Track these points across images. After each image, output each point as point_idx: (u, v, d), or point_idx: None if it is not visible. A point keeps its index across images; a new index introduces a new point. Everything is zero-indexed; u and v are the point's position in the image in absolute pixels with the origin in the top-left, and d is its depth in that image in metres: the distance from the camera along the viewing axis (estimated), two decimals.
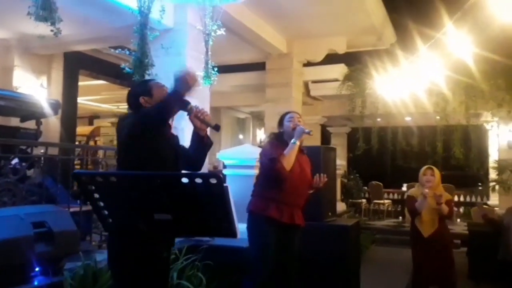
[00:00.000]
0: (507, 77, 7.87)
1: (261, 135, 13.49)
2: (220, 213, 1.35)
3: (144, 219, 1.44)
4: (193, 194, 1.35)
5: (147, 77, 5.14)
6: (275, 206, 2.93)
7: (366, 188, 11.20)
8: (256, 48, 8.06)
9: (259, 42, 7.65)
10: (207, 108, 5.43)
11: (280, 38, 8.15)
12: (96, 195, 1.42)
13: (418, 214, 3.92)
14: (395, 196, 11.62)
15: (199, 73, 4.78)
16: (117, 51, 4.45)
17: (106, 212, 1.45)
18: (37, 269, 2.47)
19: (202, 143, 2.16)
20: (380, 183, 10.85)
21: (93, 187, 1.41)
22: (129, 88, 2.28)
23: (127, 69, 4.03)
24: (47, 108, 5.06)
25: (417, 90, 7.46)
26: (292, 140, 2.99)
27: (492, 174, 9.95)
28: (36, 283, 2.44)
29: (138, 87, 2.30)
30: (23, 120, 5.35)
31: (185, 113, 5.20)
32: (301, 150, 3.14)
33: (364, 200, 10.57)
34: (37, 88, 6.90)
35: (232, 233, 1.37)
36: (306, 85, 10.11)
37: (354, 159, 12.47)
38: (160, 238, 1.55)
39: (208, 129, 2.24)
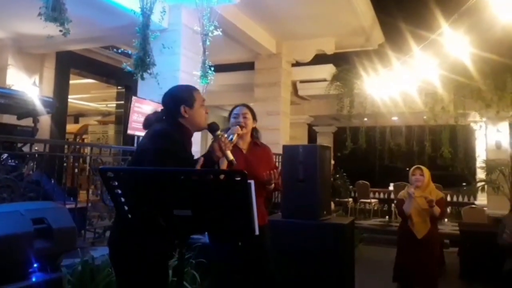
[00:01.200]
0: (496, 78, 8.02)
1: None
2: (241, 210, 1.32)
3: (163, 214, 1.41)
4: (216, 191, 1.33)
5: (147, 76, 5.14)
6: None
7: (352, 187, 11.29)
8: (246, 48, 8.07)
9: (249, 42, 7.66)
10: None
11: (270, 38, 8.17)
12: (119, 191, 1.40)
13: (408, 216, 3.91)
14: (382, 196, 11.76)
15: (196, 72, 4.77)
16: (119, 51, 4.41)
17: (126, 208, 1.42)
18: (35, 265, 2.43)
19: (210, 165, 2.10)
20: (367, 182, 10.94)
21: (116, 183, 1.38)
22: (170, 91, 2.16)
23: (128, 68, 4.02)
24: (43, 106, 5.02)
25: (406, 89, 7.56)
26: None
27: (480, 174, 10.09)
28: (34, 279, 2.40)
29: (182, 93, 2.14)
30: (19, 117, 5.31)
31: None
32: (255, 143, 2.97)
33: (350, 199, 10.64)
34: (29, 86, 6.93)
35: (252, 230, 1.34)
36: (294, 84, 10.14)
37: (341, 158, 12.56)
38: (177, 234, 1.52)
39: None
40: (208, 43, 4.73)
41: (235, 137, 2.71)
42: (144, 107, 4.67)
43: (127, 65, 4.04)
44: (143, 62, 3.93)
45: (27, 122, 5.31)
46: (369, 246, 7.82)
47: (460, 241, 5.66)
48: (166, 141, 1.90)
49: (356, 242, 7.59)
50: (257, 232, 1.36)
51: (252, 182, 1.28)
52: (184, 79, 4.90)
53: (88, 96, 11.74)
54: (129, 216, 1.42)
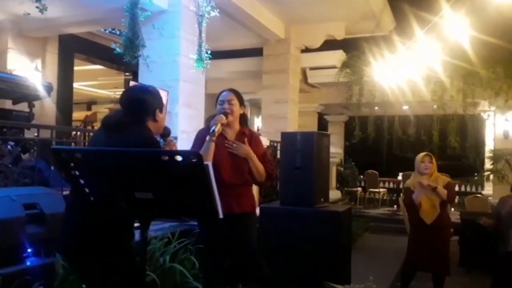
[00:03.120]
0: (506, 65, 7.82)
1: (259, 123, 13.43)
2: (202, 193, 1.31)
3: (125, 197, 1.40)
4: (174, 173, 1.31)
5: (149, 62, 5.07)
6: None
7: (362, 176, 11.21)
8: (253, 33, 7.97)
9: (256, 27, 7.56)
10: (201, 94, 5.38)
11: (278, 23, 8.05)
12: (77, 173, 1.38)
13: (417, 204, 3.87)
14: (391, 185, 11.65)
15: (192, 56, 4.71)
16: (107, 31, 4.34)
17: (87, 191, 1.41)
18: (29, 250, 2.46)
19: None
20: (375, 172, 10.85)
21: (73, 164, 1.36)
22: (143, 91, 2.04)
23: (117, 50, 3.96)
24: (39, 91, 4.98)
25: (415, 77, 7.41)
26: (207, 137, 2.70)
27: (488, 164, 9.96)
28: (28, 263, 2.43)
29: (157, 95, 2.05)
30: (15, 102, 5.28)
31: (178, 97, 5.11)
32: (243, 133, 2.86)
33: (359, 189, 10.58)
34: (31, 71, 6.82)
35: (215, 213, 1.33)
36: (303, 72, 10.03)
37: (350, 147, 12.46)
38: (139, 218, 1.50)
39: None
40: (204, 24, 4.63)
41: (217, 128, 2.67)
42: None
43: (117, 47, 3.97)
44: (132, 44, 3.85)
45: (24, 107, 5.24)
46: (375, 235, 7.81)
47: (461, 230, 5.61)
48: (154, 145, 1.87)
49: (362, 230, 7.60)
50: (221, 216, 1.34)
51: (209, 163, 1.25)
52: (184, 64, 4.85)
53: (97, 83, 11.78)
54: (92, 199, 1.41)
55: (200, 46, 4.52)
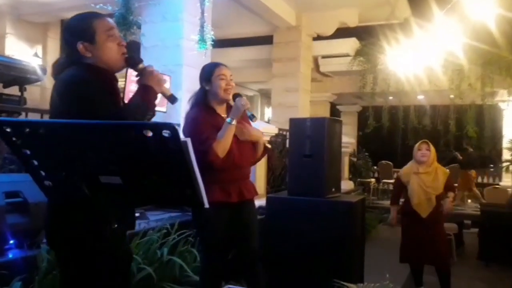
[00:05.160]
0: None
1: (269, 113, 13.22)
2: (180, 176, 1.08)
3: (87, 182, 1.17)
4: (145, 151, 1.08)
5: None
6: (219, 187, 2.44)
7: (375, 167, 10.95)
8: (263, 21, 7.77)
9: (266, 13, 7.35)
10: None
11: (289, 9, 7.81)
12: (27, 152, 1.12)
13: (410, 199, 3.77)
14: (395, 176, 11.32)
15: (194, 37, 4.50)
16: (97, 6, 4.06)
17: (43, 174, 1.17)
18: (11, 241, 2.27)
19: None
20: (390, 163, 10.59)
21: (21, 141, 1.10)
22: (66, 23, 1.67)
23: None
24: (30, 74, 4.74)
25: (432, 64, 7.10)
26: (228, 119, 2.41)
27: (506, 155, 9.63)
28: (10, 256, 2.26)
29: (77, 25, 1.61)
30: (5, 85, 5.02)
31: (181, 82, 4.92)
32: (230, 107, 2.55)
33: (373, 180, 10.33)
34: (30, 57, 6.57)
35: (198, 202, 1.11)
36: (315, 60, 9.78)
37: (364, 138, 12.20)
38: (111, 207, 1.29)
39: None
40: (207, 3, 4.42)
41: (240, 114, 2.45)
42: None
43: None
44: (125, 20, 3.64)
45: (16, 91, 4.93)
46: (389, 227, 7.58)
47: (480, 222, 5.40)
48: (78, 89, 1.48)
49: (375, 222, 7.39)
50: (206, 205, 1.13)
51: (188, 140, 1.03)
52: (188, 48, 4.66)
53: None
54: (49, 183, 1.20)
55: (202, 26, 4.30)
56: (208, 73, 2.53)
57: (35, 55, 6.64)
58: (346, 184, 7.76)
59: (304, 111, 8.33)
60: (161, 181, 1.16)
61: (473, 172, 8.81)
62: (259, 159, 2.78)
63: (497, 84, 8.34)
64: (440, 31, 5.37)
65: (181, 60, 4.77)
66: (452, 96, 9.01)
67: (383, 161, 10.57)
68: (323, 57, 9.83)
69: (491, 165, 10.80)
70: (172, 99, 1.74)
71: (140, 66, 1.67)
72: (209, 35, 4.42)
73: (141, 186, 1.19)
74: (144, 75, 1.65)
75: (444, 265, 3.78)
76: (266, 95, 13.75)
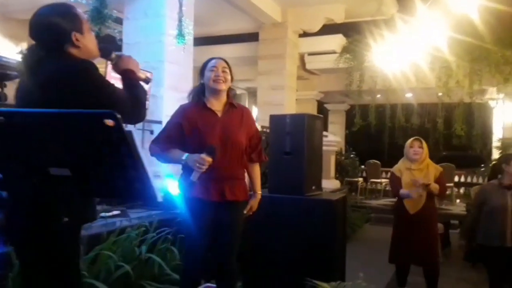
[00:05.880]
0: None
1: (257, 112, 13.12)
2: (127, 168, 1.01)
3: (37, 174, 1.11)
4: (89, 142, 1.02)
5: (133, 42, 4.77)
6: (200, 184, 2.36)
7: (363, 166, 10.89)
8: (248, 17, 7.64)
9: (251, 9, 7.23)
10: (189, 77, 5.06)
11: (274, 5, 7.70)
12: None
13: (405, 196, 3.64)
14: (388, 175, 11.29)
15: (172, 31, 4.38)
16: (72, 0, 3.96)
17: None
18: None
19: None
20: (377, 162, 10.52)
21: None
22: (45, 15, 1.60)
23: None
24: (11, 70, 4.60)
25: (419, 61, 7.04)
26: (184, 158, 2.32)
27: (496, 154, 9.62)
28: None
29: (67, 15, 1.61)
30: None
31: (163, 79, 4.83)
32: (231, 104, 2.54)
33: (360, 179, 10.27)
34: (16, 54, 6.48)
35: (149, 196, 1.04)
36: (302, 58, 9.67)
37: (351, 136, 12.15)
38: (62, 199, 1.21)
39: None
40: None
41: (196, 176, 2.28)
42: None
43: None
44: (100, 14, 3.52)
45: None
46: (376, 226, 7.53)
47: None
48: (93, 76, 1.49)
49: (361, 222, 7.31)
50: (158, 199, 1.03)
51: (131, 130, 0.94)
52: (170, 45, 4.54)
53: None
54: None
55: (180, 21, 4.18)
56: (203, 67, 2.54)
57: (20, 53, 6.49)
58: (332, 183, 7.66)
59: (290, 110, 8.21)
60: (111, 173, 1.06)
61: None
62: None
63: (486, 82, 8.30)
64: (426, 27, 5.30)
65: (163, 57, 4.66)
66: (440, 94, 8.96)
67: (371, 160, 10.51)
68: (310, 54, 9.73)
69: (482, 165, 10.81)
70: (147, 80, 1.82)
71: (113, 55, 1.72)
72: (188, 30, 4.28)
73: (91, 178, 1.12)
74: (122, 61, 1.70)
75: (432, 266, 3.67)
76: (253, 94, 13.62)
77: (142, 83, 1.72)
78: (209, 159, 2.24)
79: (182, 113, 2.50)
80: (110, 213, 3.13)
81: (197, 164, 2.23)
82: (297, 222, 3.20)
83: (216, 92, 2.47)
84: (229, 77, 2.50)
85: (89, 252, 2.54)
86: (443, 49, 6.27)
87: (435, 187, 3.53)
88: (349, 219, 6.56)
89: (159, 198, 1.07)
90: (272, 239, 3.25)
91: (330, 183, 7.46)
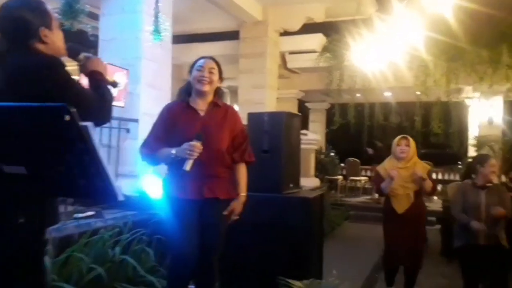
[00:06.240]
0: (491, 49, 7.62)
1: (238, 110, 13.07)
2: (86, 167, 0.97)
3: None
4: (43, 138, 0.98)
5: (108, 39, 4.68)
6: (178, 182, 2.39)
7: (343, 164, 10.99)
8: (229, 15, 7.62)
9: (232, 8, 7.20)
10: (167, 74, 5.00)
11: (255, 4, 7.68)
12: None
13: (385, 194, 3.67)
14: (372, 173, 11.43)
15: (148, 27, 4.32)
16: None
17: None
18: None
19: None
20: (357, 160, 10.64)
21: None
22: (13, 7, 1.55)
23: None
24: None
25: (397, 61, 7.13)
26: (173, 152, 2.31)
27: (472, 152, 9.84)
28: None
29: (36, 10, 1.56)
30: None
31: (140, 76, 4.76)
32: (215, 104, 2.51)
33: (340, 177, 10.36)
34: None
35: (111, 195, 1.00)
36: (282, 56, 9.68)
37: (331, 135, 12.24)
38: (17, 199, 1.16)
39: None
40: None
41: (190, 165, 2.27)
42: None
43: (55, 13, 3.56)
44: (72, 9, 3.44)
45: None
46: (355, 224, 7.62)
47: (443, 218, 5.39)
48: (60, 71, 1.46)
49: (341, 219, 7.38)
50: (120, 198, 1.00)
51: (88, 124, 0.90)
52: (147, 40, 4.47)
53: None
54: None
55: (156, 17, 4.12)
56: (191, 66, 2.52)
57: None
58: (312, 181, 7.70)
59: (271, 108, 8.21)
60: (69, 171, 1.02)
61: None
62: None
63: (463, 81, 8.46)
64: (403, 26, 5.36)
65: (140, 53, 4.59)
66: (418, 92, 9.10)
67: (350, 159, 10.62)
68: (291, 53, 9.75)
69: (459, 162, 11.02)
70: (114, 84, 1.79)
71: (81, 56, 1.69)
72: (165, 26, 4.22)
73: (48, 177, 1.07)
74: (90, 62, 1.67)
75: (417, 266, 3.68)
76: (235, 92, 13.57)
77: (109, 86, 1.70)
78: (198, 144, 2.24)
79: (166, 112, 2.53)
80: (84, 214, 3.06)
81: (188, 151, 2.23)
82: (274, 221, 3.19)
83: (200, 92, 2.46)
84: (215, 78, 2.48)
85: (60, 254, 2.48)
86: (420, 49, 6.36)
87: (428, 184, 3.52)
88: (328, 217, 6.62)
89: (121, 197, 1.03)
90: (249, 238, 3.23)
91: (310, 181, 7.49)
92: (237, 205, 2.53)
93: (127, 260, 2.89)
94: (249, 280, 3.20)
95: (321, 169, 8.95)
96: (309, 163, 7.77)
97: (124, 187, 3.87)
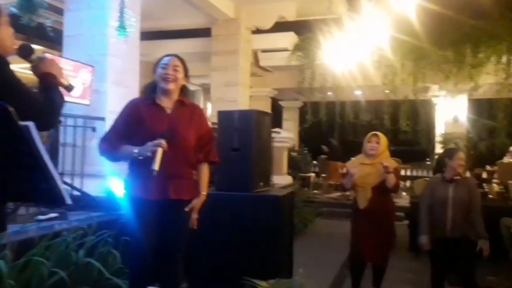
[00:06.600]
0: (455, 48, 7.86)
1: (210, 108, 12.99)
2: (30, 169, 0.92)
3: None
4: None
5: (75, 34, 4.52)
6: (141, 182, 2.34)
7: (315, 162, 11.10)
8: (201, 12, 7.52)
9: (204, 4, 7.13)
10: (135, 72, 4.89)
11: (227, 1, 7.63)
12: None
13: (347, 189, 3.71)
14: (344, 170, 11.59)
15: (113, 23, 4.20)
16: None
17: None
18: None
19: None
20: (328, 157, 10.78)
21: None
22: None
23: (12, 9, 3.38)
24: None
25: (366, 61, 7.25)
26: (136, 152, 2.26)
27: (438, 149, 10.12)
28: None
29: None
30: None
31: (107, 73, 4.64)
32: (181, 102, 2.48)
33: (313, 174, 10.46)
34: None
35: (58, 198, 0.95)
36: (255, 54, 9.68)
37: (304, 133, 12.34)
38: None
39: None
40: None
41: (157, 163, 2.19)
42: (64, 66, 4.07)
43: (11, 6, 3.41)
44: (30, 3, 3.30)
45: None
46: (327, 220, 7.69)
47: (410, 214, 5.48)
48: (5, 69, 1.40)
49: (313, 216, 7.43)
50: (68, 201, 0.95)
51: (30, 124, 0.84)
52: (114, 37, 4.35)
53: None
54: None
55: (121, 12, 4.01)
56: (156, 62, 2.47)
57: None
58: (285, 179, 7.73)
59: (244, 106, 8.18)
60: (12, 174, 0.95)
61: (338, 164, 9.31)
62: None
63: (429, 80, 8.69)
64: (371, 26, 5.45)
65: (106, 50, 4.47)
66: (387, 91, 9.29)
67: (322, 156, 10.74)
68: (263, 51, 9.76)
69: (427, 159, 11.32)
70: (69, 88, 1.73)
71: (34, 56, 1.62)
72: (130, 22, 4.11)
73: None
74: (43, 63, 1.60)
75: (383, 264, 3.67)
76: (208, 90, 13.46)
77: (63, 90, 1.65)
78: (164, 143, 2.19)
79: (130, 108, 2.46)
80: (47, 216, 2.95)
81: (152, 150, 2.18)
82: (244, 220, 3.18)
83: (164, 90, 2.42)
84: (180, 76, 2.44)
85: (19, 258, 2.37)
86: (387, 48, 6.49)
87: (391, 178, 3.50)
88: (300, 214, 6.66)
89: (68, 201, 0.97)
90: (219, 238, 3.20)
91: (282, 179, 7.52)
92: (198, 204, 2.51)
93: (92, 263, 2.80)
94: (218, 281, 3.17)
95: (294, 167, 9.00)
96: (282, 161, 7.80)
97: (91, 187, 3.78)
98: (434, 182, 3.55)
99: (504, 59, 8.11)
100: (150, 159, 2.20)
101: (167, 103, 2.44)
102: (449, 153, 3.52)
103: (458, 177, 3.35)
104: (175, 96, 2.46)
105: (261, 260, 3.08)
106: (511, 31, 7.95)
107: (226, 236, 3.19)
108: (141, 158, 2.24)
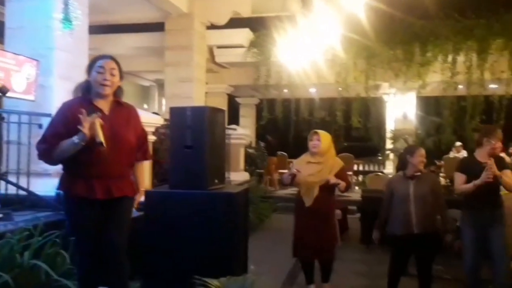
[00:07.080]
0: (405, 47, 8.19)
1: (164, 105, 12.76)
2: None
3: None
4: None
5: (17, 26, 4.24)
6: (83, 182, 2.36)
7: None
8: (153, 6, 7.34)
9: None
10: (83, 66, 4.67)
11: None
12: None
13: (286, 185, 3.76)
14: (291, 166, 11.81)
15: (58, 15, 4.01)
16: None
17: None
18: None
19: None
20: (285, 154, 10.91)
21: None
22: None
23: None
24: None
25: (320, 59, 7.40)
26: (75, 140, 2.26)
27: (389, 144, 10.52)
28: None
29: None
30: None
31: (53, 68, 4.44)
32: (118, 103, 2.51)
33: None
34: None
35: None
36: (210, 50, 9.60)
37: (261, 130, 12.43)
38: None
39: None
40: None
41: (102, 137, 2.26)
42: (6, 60, 3.85)
43: None
44: None
45: None
46: (282, 215, 7.78)
47: (361, 207, 5.66)
48: None
49: (269, 212, 7.51)
50: None
51: None
52: (59, 30, 4.15)
53: None
54: None
55: (66, 4, 3.83)
56: (91, 64, 2.46)
57: None
58: (242, 175, 7.76)
59: (200, 103, 8.10)
60: None
61: (273, 159, 9.60)
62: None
63: (380, 77, 9.00)
64: (323, 25, 5.56)
65: (52, 44, 4.24)
66: (340, 88, 9.53)
67: (278, 152, 10.86)
68: (218, 47, 9.70)
69: (378, 154, 11.74)
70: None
71: None
72: (76, 14, 3.94)
73: None
74: None
75: (329, 260, 3.73)
76: (163, 86, 13.22)
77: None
78: (96, 116, 2.27)
79: (67, 109, 2.42)
80: None
81: (89, 124, 2.22)
82: (198, 217, 3.13)
83: (101, 95, 2.44)
84: (116, 79, 2.46)
85: None
86: (339, 47, 6.65)
87: (342, 185, 3.59)
88: (257, 210, 6.70)
89: None
90: (173, 236, 3.15)
91: (239, 175, 7.55)
92: (139, 199, 2.70)
93: (38, 265, 2.71)
94: (173, 280, 3.12)
95: (251, 163, 9.04)
96: (239, 157, 7.82)
97: (38, 186, 3.60)
98: (395, 180, 3.57)
99: (450, 58, 8.57)
100: (92, 146, 2.24)
101: (104, 105, 2.46)
102: (409, 150, 3.53)
103: (419, 173, 3.37)
104: (111, 97, 2.49)
105: (216, 258, 3.06)
106: (456, 31, 8.40)
107: (180, 234, 3.14)
108: (83, 143, 2.25)
